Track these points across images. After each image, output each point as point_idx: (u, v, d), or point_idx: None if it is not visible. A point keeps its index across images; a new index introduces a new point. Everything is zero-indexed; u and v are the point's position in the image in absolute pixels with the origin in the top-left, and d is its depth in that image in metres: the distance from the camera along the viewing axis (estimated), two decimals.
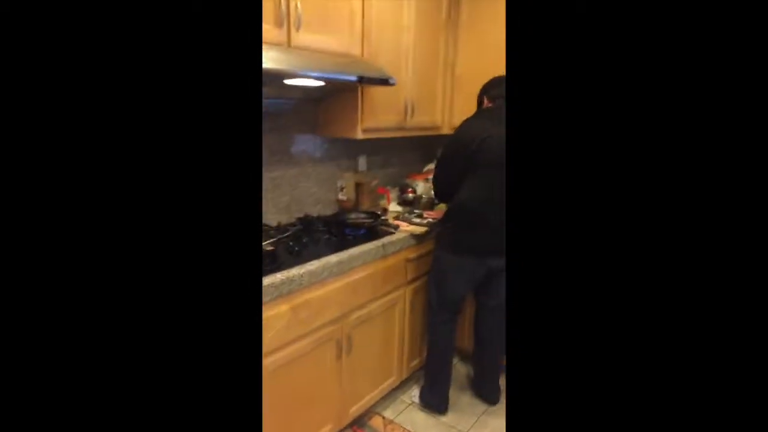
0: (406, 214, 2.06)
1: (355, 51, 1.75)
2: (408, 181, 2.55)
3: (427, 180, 2.58)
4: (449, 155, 1.72)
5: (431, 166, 2.65)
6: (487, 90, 1.83)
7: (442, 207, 2.26)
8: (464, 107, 2.33)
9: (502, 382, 2.06)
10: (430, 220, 1.98)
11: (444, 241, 1.80)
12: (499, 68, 2.13)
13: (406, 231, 1.85)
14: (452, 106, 2.39)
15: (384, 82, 1.66)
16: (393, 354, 1.92)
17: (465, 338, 2.16)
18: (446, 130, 2.42)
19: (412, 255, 1.87)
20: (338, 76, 1.45)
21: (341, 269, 1.52)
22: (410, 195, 2.43)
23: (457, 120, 2.38)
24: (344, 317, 1.59)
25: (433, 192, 1.90)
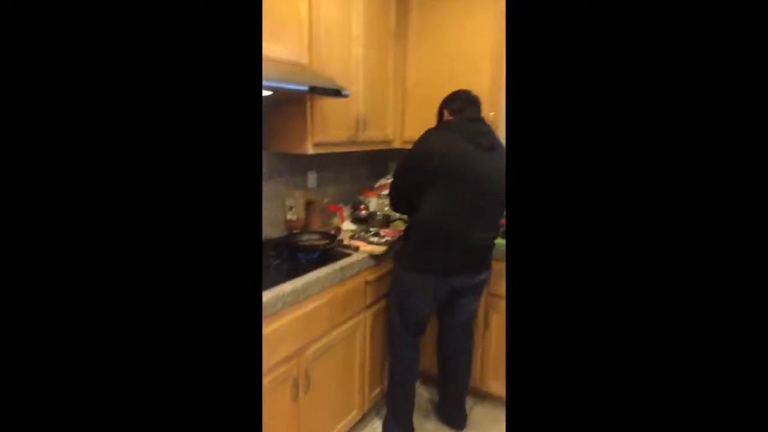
0: (362, 233, 1.94)
1: (303, 60, 1.62)
2: (360, 197, 2.43)
3: (379, 196, 2.48)
4: (409, 168, 1.63)
5: (384, 181, 2.55)
6: (448, 103, 1.76)
7: (398, 224, 2.16)
8: (416, 120, 2.27)
9: (468, 405, 1.97)
10: (388, 238, 1.87)
11: (405, 260, 1.69)
12: (452, 79, 2.10)
13: (364, 251, 1.73)
14: (404, 120, 2.31)
15: (336, 93, 1.55)
16: (354, 385, 1.78)
17: (426, 360, 2.05)
18: (398, 144, 2.34)
19: (371, 277, 1.74)
20: (288, 85, 1.32)
21: (296, 298, 1.37)
22: (363, 212, 2.32)
23: (410, 134, 2.31)
24: (300, 352, 1.43)
25: (390, 206, 1.79)
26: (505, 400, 1.97)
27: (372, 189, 2.55)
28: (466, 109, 1.71)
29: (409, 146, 2.39)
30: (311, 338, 1.47)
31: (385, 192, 2.50)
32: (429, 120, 2.21)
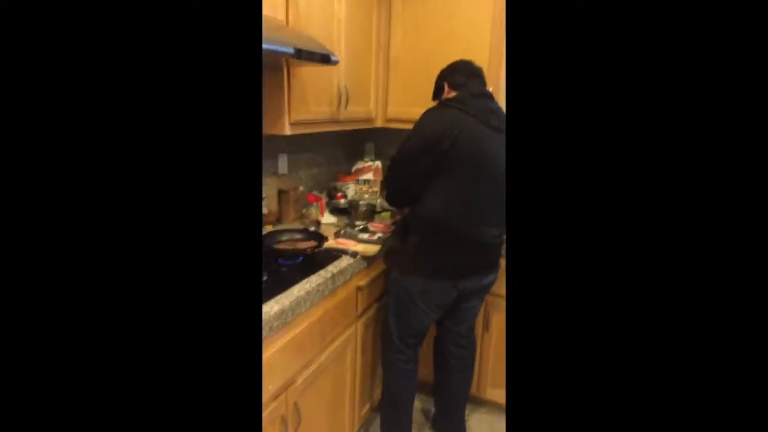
0: (348, 229, 1.65)
1: (279, 17, 1.29)
2: (337, 184, 2.14)
3: (357, 182, 2.19)
4: (413, 152, 1.36)
5: (362, 164, 2.26)
6: (447, 75, 1.50)
7: (385, 216, 1.90)
8: (400, 95, 1.99)
9: (468, 418, 1.79)
10: (380, 234, 1.60)
11: (406, 262, 1.44)
12: (443, 49, 1.83)
13: (352, 251, 1.45)
14: (387, 95, 2.02)
15: (325, 59, 1.24)
16: (344, 408, 1.53)
17: (421, 367, 1.83)
18: (380, 123, 2.06)
19: (363, 281, 1.48)
20: (269, 46, 0.99)
21: (284, 321, 1.08)
22: (342, 201, 2.03)
23: (393, 111, 2.03)
24: (289, 384, 1.16)
25: (385, 198, 1.52)
26: (504, 407, 1.80)
27: (349, 173, 2.26)
28: (470, 83, 1.45)
29: (394, 125, 2.13)
30: (300, 366, 1.20)
31: (365, 177, 2.21)
32: (415, 96, 1.95)
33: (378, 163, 2.27)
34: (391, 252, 1.57)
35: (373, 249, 1.49)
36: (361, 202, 1.93)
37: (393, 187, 1.47)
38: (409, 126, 2.06)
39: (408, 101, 1.98)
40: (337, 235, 1.59)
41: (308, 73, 1.46)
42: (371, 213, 1.89)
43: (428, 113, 1.41)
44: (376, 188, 2.20)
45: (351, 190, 2.13)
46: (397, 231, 1.63)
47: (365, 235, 1.59)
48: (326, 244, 1.47)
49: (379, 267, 1.58)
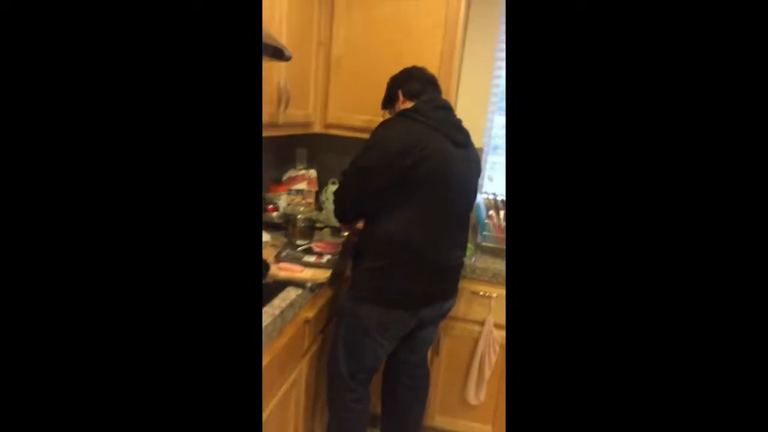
0: (290, 251, 1.44)
1: None
2: (267, 195, 1.89)
3: (290, 192, 1.97)
4: (372, 167, 1.21)
5: (294, 173, 2.04)
6: (401, 83, 1.36)
7: (326, 233, 1.71)
8: (343, 100, 1.82)
9: None
10: (329, 256, 1.41)
11: (361, 289, 1.28)
12: (390, 53, 1.70)
13: (300, 279, 1.25)
14: (327, 98, 1.83)
15: (278, 54, 1.03)
16: None
17: None
18: (318, 128, 1.86)
19: (311, 313, 1.28)
20: None
21: None
22: (273, 215, 1.80)
23: (333, 116, 1.85)
24: None
25: (335, 211, 1.34)
26: None
27: (280, 182, 2.02)
28: (428, 93, 1.34)
29: (333, 132, 1.95)
30: None
31: (298, 186, 1.99)
32: (359, 101, 1.79)
33: (313, 173, 2.06)
34: (340, 276, 1.39)
35: (323, 275, 1.30)
36: (299, 217, 1.72)
37: (345, 202, 1.30)
38: (350, 134, 1.91)
39: (350, 106, 1.81)
40: (278, 258, 1.36)
41: None
42: (311, 230, 1.69)
43: (388, 124, 1.26)
44: (311, 200, 2.00)
45: (283, 201, 1.90)
46: (346, 252, 1.46)
47: (311, 258, 1.39)
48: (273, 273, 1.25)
49: (326, 293, 1.39)
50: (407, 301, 1.26)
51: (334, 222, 1.65)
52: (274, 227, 1.71)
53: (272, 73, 1.39)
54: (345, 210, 1.31)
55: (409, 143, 1.18)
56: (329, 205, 1.95)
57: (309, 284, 1.23)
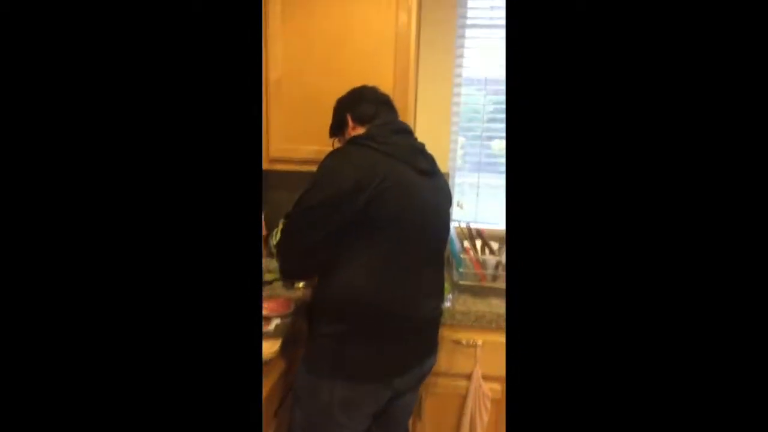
0: None
1: None
2: None
3: None
4: (320, 209, 0.97)
5: None
6: (350, 106, 1.15)
7: (277, 287, 1.44)
8: (286, 130, 1.59)
9: None
10: (277, 321, 1.15)
11: (317, 361, 1.02)
12: (336, 68, 1.49)
13: None
14: (268, 128, 1.60)
15: None
16: None
17: None
18: (265, 165, 1.61)
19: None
20: None
21: None
22: None
23: (276, 149, 1.61)
24: None
25: (279, 266, 1.09)
26: None
27: None
28: (382, 115, 1.13)
29: (278, 167, 1.71)
30: None
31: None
32: (304, 130, 1.56)
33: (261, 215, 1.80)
34: (293, 344, 1.13)
35: (271, 348, 1.03)
36: None
37: (291, 254, 1.05)
38: (299, 168, 1.68)
39: (296, 137, 1.59)
40: None
41: None
42: None
43: (335, 155, 1.04)
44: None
45: None
46: (297, 313, 1.20)
47: None
48: None
49: (278, 366, 1.12)
50: (377, 372, 1.01)
51: None
52: None
53: None
54: (291, 262, 1.06)
55: (364, 175, 0.95)
56: None
57: None
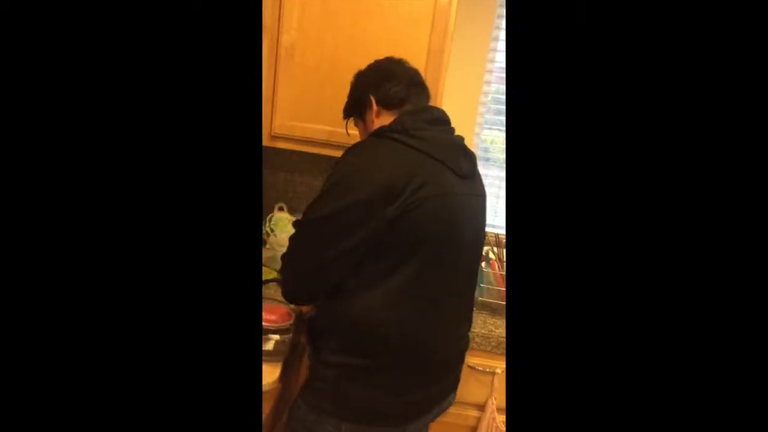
0: None
1: None
2: None
3: None
4: (338, 220, 0.78)
5: None
6: (377, 86, 0.93)
7: (272, 289, 1.25)
8: (295, 103, 1.38)
9: None
10: (277, 336, 0.96)
11: (323, 396, 0.84)
12: (361, 40, 1.28)
13: None
14: (273, 100, 1.38)
15: None
16: None
17: None
18: (265, 140, 1.40)
19: None
20: None
21: None
22: None
23: (281, 123, 1.39)
24: None
25: (283, 291, 0.90)
26: None
27: None
28: (413, 98, 0.92)
29: (280, 146, 1.49)
30: None
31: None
32: (317, 106, 1.35)
33: None
34: (294, 369, 0.95)
35: (271, 375, 0.85)
36: None
37: (297, 274, 0.85)
38: (304, 148, 1.47)
39: (305, 113, 1.37)
40: None
41: None
42: None
43: (359, 151, 0.84)
44: None
45: None
46: (298, 328, 1.02)
47: None
48: None
49: (272, 392, 0.94)
50: (392, 416, 0.84)
51: None
52: None
53: None
54: (297, 284, 0.86)
55: (397, 182, 0.76)
56: (276, 240, 1.49)
57: None
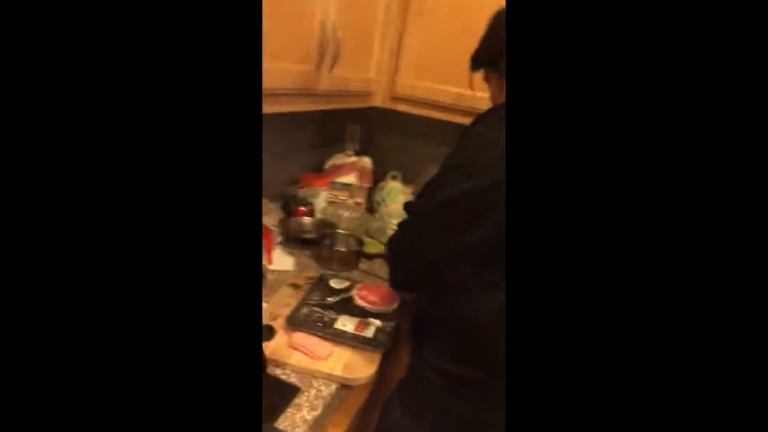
0: (313, 308, 0.88)
1: None
2: (299, 189, 1.35)
3: (333, 185, 1.42)
4: (468, 201, 0.63)
5: (341, 159, 1.49)
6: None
7: (377, 267, 1.15)
8: (423, 61, 1.23)
9: None
10: (378, 322, 0.86)
11: (425, 402, 0.74)
12: None
13: (323, 373, 0.72)
14: (399, 57, 1.24)
15: None
16: None
17: None
18: (381, 101, 1.28)
19: (339, 430, 0.75)
20: None
21: None
22: (305, 221, 1.26)
23: (405, 85, 1.25)
24: None
25: (390, 277, 0.78)
26: None
27: (319, 171, 1.48)
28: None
29: (401, 108, 1.36)
30: None
31: (345, 179, 1.44)
32: (445, 65, 1.19)
33: (367, 162, 1.50)
34: (389, 358, 0.85)
35: (365, 371, 0.75)
36: (340, 232, 1.17)
37: (409, 262, 0.72)
38: (427, 113, 1.32)
39: (433, 72, 1.22)
40: (291, 323, 0.82)
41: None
42: (356, 257, 1.13)
43: (495, 122, 0.66)
44: (362, 200, 1.44)
45: (321, 200, 1.35)
46: (402, 314, 0.90)
47: (348, 323, 0.84)
48: (273, 355, 0.72)
49: (363, 392, 0.84)
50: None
51: None
52: (303, 243, 1.17)
53: (312, 7, 0.81)
54: (408, 273, 0.74)
55: None
56: (387, 210, 1.39)
57: (334, 385, 0.70)
